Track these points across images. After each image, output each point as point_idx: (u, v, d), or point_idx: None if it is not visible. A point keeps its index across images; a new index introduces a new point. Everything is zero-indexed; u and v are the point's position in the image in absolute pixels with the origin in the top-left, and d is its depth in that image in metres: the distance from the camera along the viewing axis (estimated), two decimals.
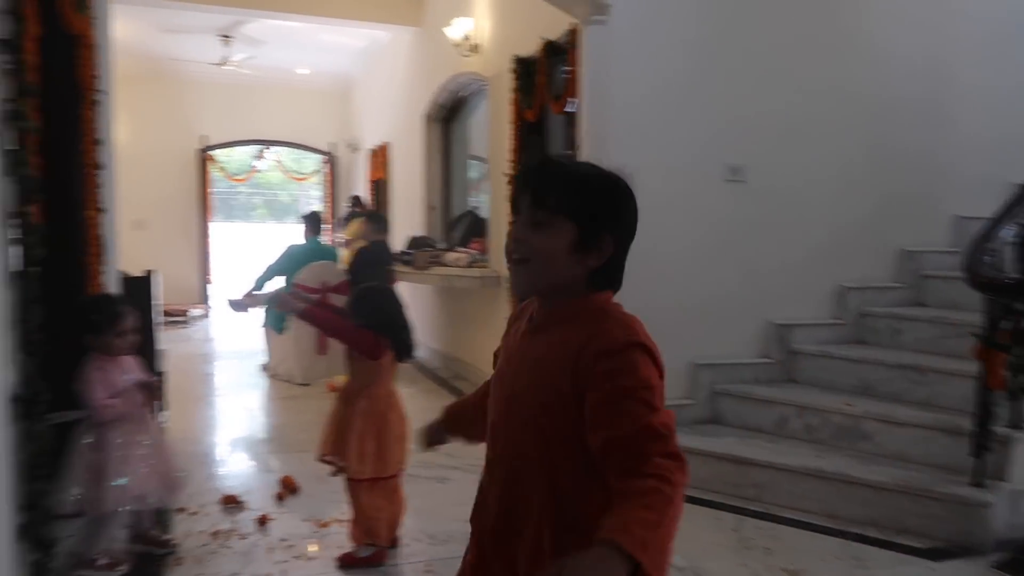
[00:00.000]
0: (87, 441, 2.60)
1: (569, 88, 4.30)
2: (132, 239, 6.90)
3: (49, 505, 2.14)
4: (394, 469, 2.82)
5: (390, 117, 8.89)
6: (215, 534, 3.04)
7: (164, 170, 10.27)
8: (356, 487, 2.78)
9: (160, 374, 3.82)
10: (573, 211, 1.19)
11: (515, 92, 5.03)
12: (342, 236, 8.63)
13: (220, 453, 4.44)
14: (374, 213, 7.29)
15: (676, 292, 4.04)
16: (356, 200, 9.12)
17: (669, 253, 3.97)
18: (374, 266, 6.23)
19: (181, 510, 3.22)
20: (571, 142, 4.36)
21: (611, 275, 1.24)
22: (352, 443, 2.74)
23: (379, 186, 9.34)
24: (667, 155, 4.06)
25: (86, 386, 2.56)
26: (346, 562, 2.80)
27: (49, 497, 2.17)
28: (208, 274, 10.89)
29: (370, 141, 9.89)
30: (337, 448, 2.80)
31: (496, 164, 5.61)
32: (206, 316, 10.31)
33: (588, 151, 4.05)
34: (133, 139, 9.32)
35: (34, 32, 1.94)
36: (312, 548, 2.96)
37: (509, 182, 5.10)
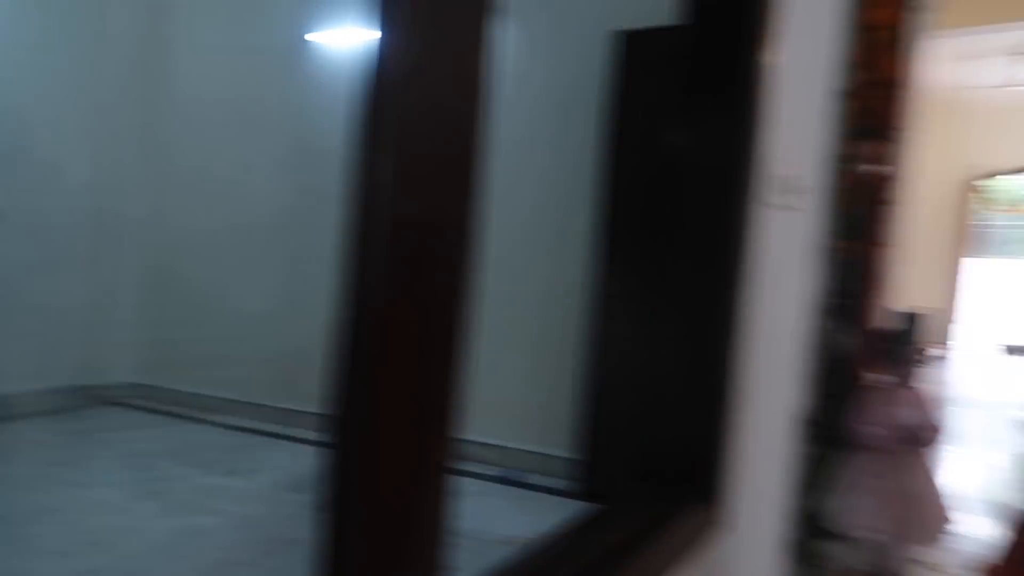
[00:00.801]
0: (842, 460, 2.68)
1: None
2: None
3: (818, 523, 2.26)
4: None
5: None
6: None
7: (925, 202, 9.94)
8: None
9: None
10: None
11: None
12: None
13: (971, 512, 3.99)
14: None
15: None
16: None
17: None
18: None
19: (933, 567, 3.00)
20: None
21: None
22: None
23: None
24: None
25: (852, 407, 2.64)
26: None
27: (819, 516, 2.29)
28: (954, 313, 10.07)
29: None
30: None
31: None
32: (945, 358, 9.54)
33: None
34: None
35: (865, 79, 2.05)
36: None
37: None
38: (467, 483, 3.53)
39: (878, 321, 3.30)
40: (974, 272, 11.63)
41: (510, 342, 3.71)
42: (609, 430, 3.07)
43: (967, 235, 10.20)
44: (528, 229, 3.65)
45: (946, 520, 2.73)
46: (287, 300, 4.07)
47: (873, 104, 2.62)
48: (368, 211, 0.55)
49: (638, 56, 2.78)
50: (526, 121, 3.64)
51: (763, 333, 1.68)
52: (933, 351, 9.30)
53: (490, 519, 3.06)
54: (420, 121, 0.56)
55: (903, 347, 2.68)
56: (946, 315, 10.03)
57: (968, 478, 4.70)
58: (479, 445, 3.78)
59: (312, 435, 3.52)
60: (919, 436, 2.58)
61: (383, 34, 0.53)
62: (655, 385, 1.49)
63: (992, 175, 10.09)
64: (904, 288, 7.54)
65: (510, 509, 3.25)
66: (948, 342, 9.82)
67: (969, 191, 10.01)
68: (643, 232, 2.65)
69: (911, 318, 3.97)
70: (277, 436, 3.88)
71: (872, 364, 2.75)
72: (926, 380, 7.97)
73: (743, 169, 1.33)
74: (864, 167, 2.00)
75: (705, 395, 1.43)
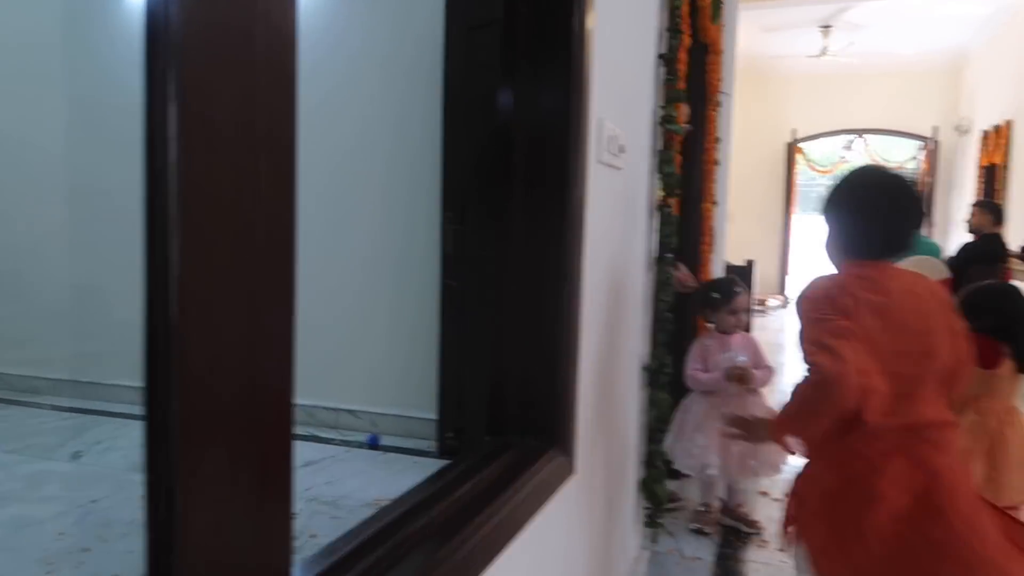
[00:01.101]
0: (681, 404, 2.92)
1: None
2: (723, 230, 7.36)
3: (664, 463, 2.43)
4: (1012, 499, 2.39)
5: (1014, 92, 7.52)
6: None
7: (754, 164, 10.69)
8: None
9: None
10: None
11: None
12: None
13: None
14: (989, 202, 6.29)
15: None
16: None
17: None
18: (982, 262, 5.39)
19: (764, 494, 3.31)
20: None
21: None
22: None
23: (990, 172, 8.03)
24: None
25: (689, 356, 2.87)
26: None
27: (664, 456, 2.46)
28: (787, 265, 11.00)
29: (985, 121, 8.56)
30: None
31: None
32: (783, 307, 10.45)
33: None
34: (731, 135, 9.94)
35: (686, 44, 2.17)
36: None
37: None
38: (331, 450, 3.53)
39: (712, 273, 3.56)
40: (801, 228, 12.70)
41: (368, 311, 3.70)
42: (467, 389, 3.14)
43: (793, 194, 11.12)
44: (380, 194, 3.64)
45: (780, 453, 3.02)
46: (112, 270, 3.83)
47: (695, 69, 2.80)
48: (158, 179, 0.53)
49: (473, 16, 2.80)
50: (370, 85, 3.60)
51: (601, 287, 1.78)
52: (765, 301, 10.14)
53: (355, 484, 3.07)
54: (214, 78, 0.55)
55: (737, 297, 2.90)
56: (777, 268, 10.94)
57: None
58: (344, 412, 3.77)
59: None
60: (752, 377, 2.82)
61: None
62: (502, 342, 1.54)
63: (812, 138, 11.01)
64: (737, 243, 8.14)
65: (374, 473, 3.27)
66: (779, 292, 10.75)
67: (794, 153, 10.88)
68: (486, 193, 2.69)
69: (744, 270, 4.30)
70: (130, 416, 3.67)
71: (707, 313, 2.96)
72: (759, 327, 8.66)
73: (570, 130, 1.39)
74: (687, 128, 2.13)
75: (547, 350, 1.49)
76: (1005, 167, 7.65)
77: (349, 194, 3.67)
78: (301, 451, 3.39)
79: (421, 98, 3.41)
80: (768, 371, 2.92)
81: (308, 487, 2.97)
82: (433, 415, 3.39)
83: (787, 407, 1.51)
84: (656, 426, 2.41)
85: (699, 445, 2.84)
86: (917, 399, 1.53)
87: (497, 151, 1.49)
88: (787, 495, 1.68)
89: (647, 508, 2.49)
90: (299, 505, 2.79)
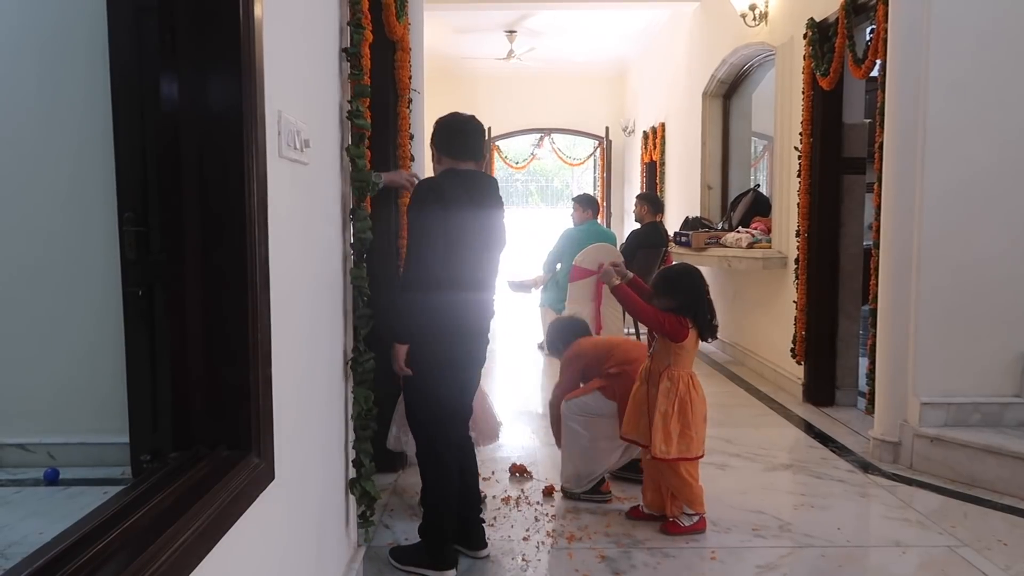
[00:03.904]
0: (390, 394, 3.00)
1: (873, 49, 3.88)
2: None
3: (369, 462, 2.43)
4: (699, 450, 2.86)
5: (666, 97, 8.77)
6: (506, 499, 3.26)
7: None
8: (665, 467, 2.86)
9: None
10: None
11: (808, 59, 4.67)
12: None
13: (506, 425, 4.72)
14: (648, 194, 7.27)
15: (1010, 275, 3.52)
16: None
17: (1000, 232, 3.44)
18: (648, 247, 6.22)
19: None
20: (873, 109, 3.95)
21: None
22: (657, 424, 2.80)
23: (651, 168, 9.28)
24: (999, 122, 3.51)
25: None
26: (671, 531, 2.89)
27: (373, 449, 2.47)
28: None
29: (645, 123, 9.85)
30: (640, 429, 2.89)
31: (783, 138, 5.28)
32: None
33: (894, 118, 3.63)
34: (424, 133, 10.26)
35: (369, 40, 2.19)
36: (595, 517, 3.03)
37: (800, 156, 4.77)
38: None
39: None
40: None
41: (37, 329, 3.22)
42: (161, 405, 2.86)
43: None
44: (44, 194, 3.18)
45: (495, 424, 3.27)
46: None
47: (384, 66, 2.84)
48: None
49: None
50: (23, 70, 3.13)
51: (295, 283, 1.73)
52: None
53: (30, 528, 2.67)
54: None
55: None
56: None
57: (509, 394, 5.53)
58: (10, 447, 3.25)
59: None
60: None
61: None
62: (186, 351, 1.43)
63: (505, 136, 11.80)
64: None
65: (54, 512, 2.87)
66: None
67: (492, 151, 11.55)
68: (160, 190, 2.48)
69: None
70: None
71: None
72: None
73: (243, 120, 1.33)
74: (360, 122, 2.15)
75: (234, 355, 1.42)
76: (662, 163, 8.90)
77: (3, 196, 3.15)
78: None
79: (84, 84, 3.03)
80: None
81: None
82: (124, 438, 3.05)
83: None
84: (360, 423, 2.40)
85: None
86: None
87: (168, 144, 1.38)
88: None
89: (361, 506, 2.48)
90: None
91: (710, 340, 2.89)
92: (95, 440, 3.25)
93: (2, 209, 3.16)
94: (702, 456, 2.91)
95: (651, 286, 2.92)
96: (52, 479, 3.15)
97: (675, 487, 2.89)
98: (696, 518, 2.89)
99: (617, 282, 2.92)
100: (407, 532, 2.88)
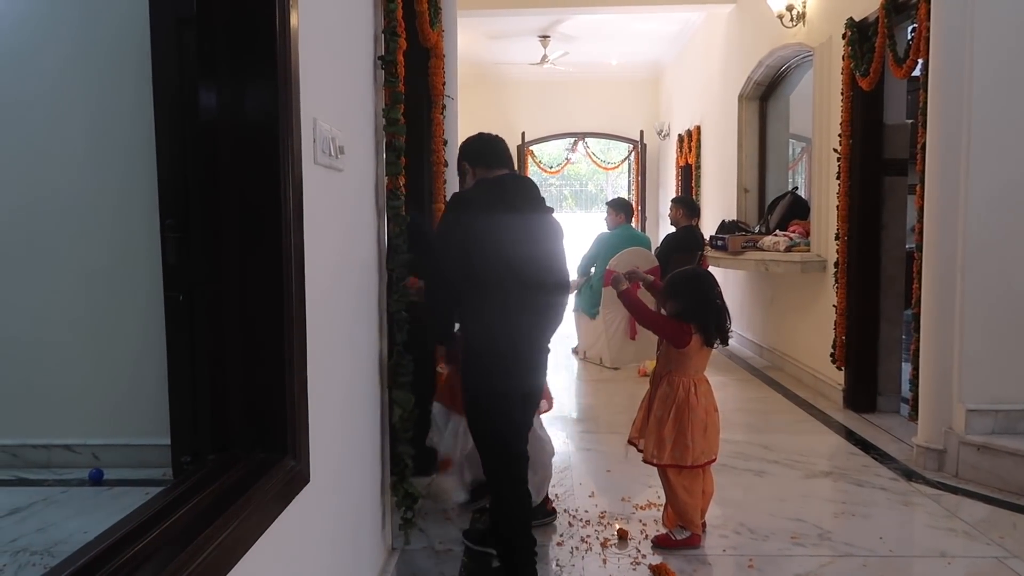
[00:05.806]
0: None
1: (915, 49, 3.81)
2: None
3: (410, 462, 2.45)
4: (696, 459, 2.75)
5: (701, 100, 8.69)
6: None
7: None
8: (662, 472, 2.81)
9: None
10: None
11: (847, 59, 4.60)
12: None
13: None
14: (684, 198, 7.21)
15: None
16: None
17: None
18: (683, 251, 6.17)
19: None
20: (915, 110, 3.87)
21: None
22: (652, 428, 2.78)
23: (687, 171, 9.21)
24: None
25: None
26: (661, 543, 2.82)
27: (413, 453, 2.49)
28: None
29: (680, 126, 9.78)
30: (643, 432, 2.87)
31: (822, 140, 5.19)
32: None
33: (936, 118, 3.55)
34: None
35: (403, 47, 2.22)
36: (623, 526, 3.00)
37: (839, 158, 4.69)
38: (43, 492, 3.13)
39: None
40: None
41: (82, 332, 3.32)
42: (202, 408, 2.92)
43: None
44: (90, 203, 3.27)
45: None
46: None
47: (418, 73, 2.87)
48: None
49: (180, 8, 2.62)
50: (68, 82, 3.22)
51: (330, 289, 1.75)
52: None
53: (75, 527, 2.75)
54: None
55: None
56: None
57: None
58: (57, 448, 3.34)
59: None
60: None
61: None
62: (224, 355, 1.46)
63: (540, 141, 11.81)
64: None
65: (98, 512, 2.94)
66: None
67: (526, 155, 11.57)
68: (200, 197, 2.53)
69: None
70: None
71: None
72: None
73: (279, 129, 1.36)
74: (395, 129, 2.17)
75: (271, 359, 1.44)
76: (697, 167, 8.82)
77: (52, 205, 3.25)
78: (2, 499, 2.96)
79: (129, 95, 3.11)
80: None
81: (14, 538, 2.59)
82: (166, 440, 3.11)
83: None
84: (400, 426, 2.42)
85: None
86: None
87: (207, 152, 1.41)
88: None
89: (403, 507, 2.50)
90: (2, 560, 2.43)
91: (718, 346, 2.82)
92: (138, 442, 3.33)
93: (61, 220, 3.26)
94: (700, 467, 2.78)
95: (662, 291, 2.89)
96: (97, 479, 3.23)
97: (667, 496, 2.82)
98: (688, 534, 2.79)
99: (625, 286, 2.89)
100: (441, 536, 2.90)
